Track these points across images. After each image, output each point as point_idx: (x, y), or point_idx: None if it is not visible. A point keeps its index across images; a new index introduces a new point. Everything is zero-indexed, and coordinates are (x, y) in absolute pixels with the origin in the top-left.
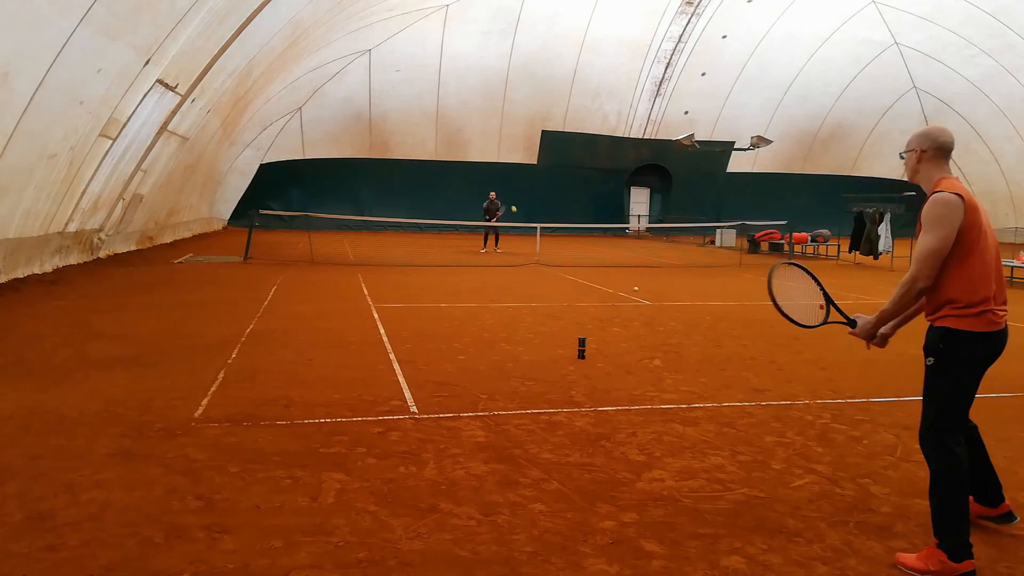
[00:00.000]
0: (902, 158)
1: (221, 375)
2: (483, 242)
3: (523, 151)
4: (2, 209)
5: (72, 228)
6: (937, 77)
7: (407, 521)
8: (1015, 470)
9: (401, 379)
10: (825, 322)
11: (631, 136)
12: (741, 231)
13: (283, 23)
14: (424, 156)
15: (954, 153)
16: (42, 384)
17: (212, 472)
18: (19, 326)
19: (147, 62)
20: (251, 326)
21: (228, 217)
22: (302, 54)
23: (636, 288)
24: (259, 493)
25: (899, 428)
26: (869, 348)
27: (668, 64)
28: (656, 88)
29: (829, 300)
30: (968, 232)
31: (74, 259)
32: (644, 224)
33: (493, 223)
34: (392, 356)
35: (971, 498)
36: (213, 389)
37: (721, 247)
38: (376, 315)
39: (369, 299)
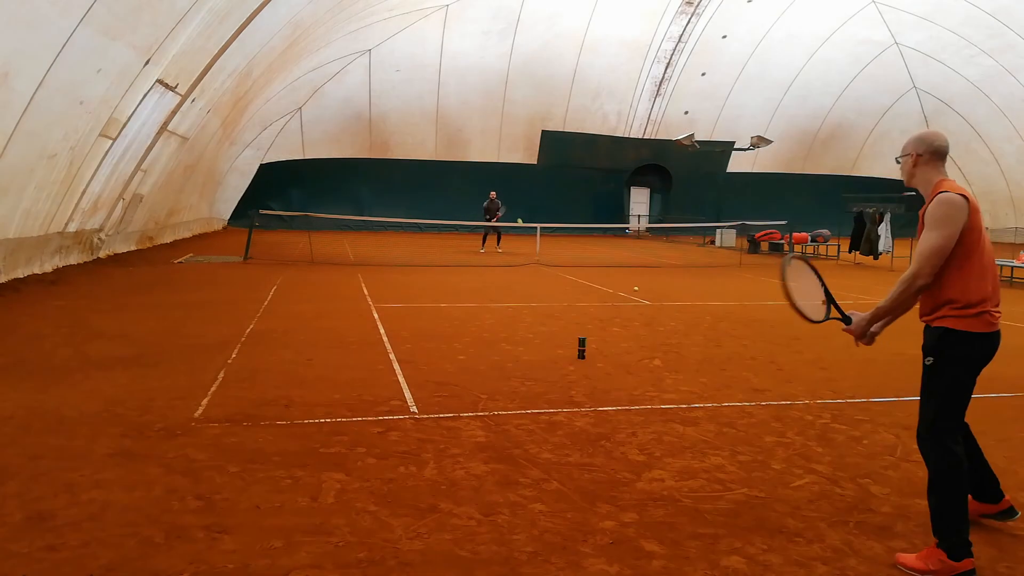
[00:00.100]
0: (898, 163)
1: (221, 375)
2: (481, 242)
3: (523, 151)
4: (2, 209)
5: (72, 228)
6: (937, 77)
7: (407, 521)
8: (1015, 470)
9: (401, 379)
10: (827, 317)
11: (631, 136)
12: (741, 231)
13: (283, 23)
14: (424, 156)
15: (954, 153)
16: (42, 384)
17: (212, 472)
18: (19, 326)
19: (147, 62)
20: (251, 326)
21: (228, 217)
22: (302, 54)
23: (636, 288)
24: (259, 493)
25: (899, 428)
26: (857, 345)
27: (668, 64)
28: (656, 88)
29: (828, 296)
30: (969, 233)
31: (74, 259)
32: (644, 224)
33: (493, 223)
34: (392, 356)
35: (970, 497)
36: (213, 389)
37: (721, 247)
38: (376, 315)
39: (369, 299)
